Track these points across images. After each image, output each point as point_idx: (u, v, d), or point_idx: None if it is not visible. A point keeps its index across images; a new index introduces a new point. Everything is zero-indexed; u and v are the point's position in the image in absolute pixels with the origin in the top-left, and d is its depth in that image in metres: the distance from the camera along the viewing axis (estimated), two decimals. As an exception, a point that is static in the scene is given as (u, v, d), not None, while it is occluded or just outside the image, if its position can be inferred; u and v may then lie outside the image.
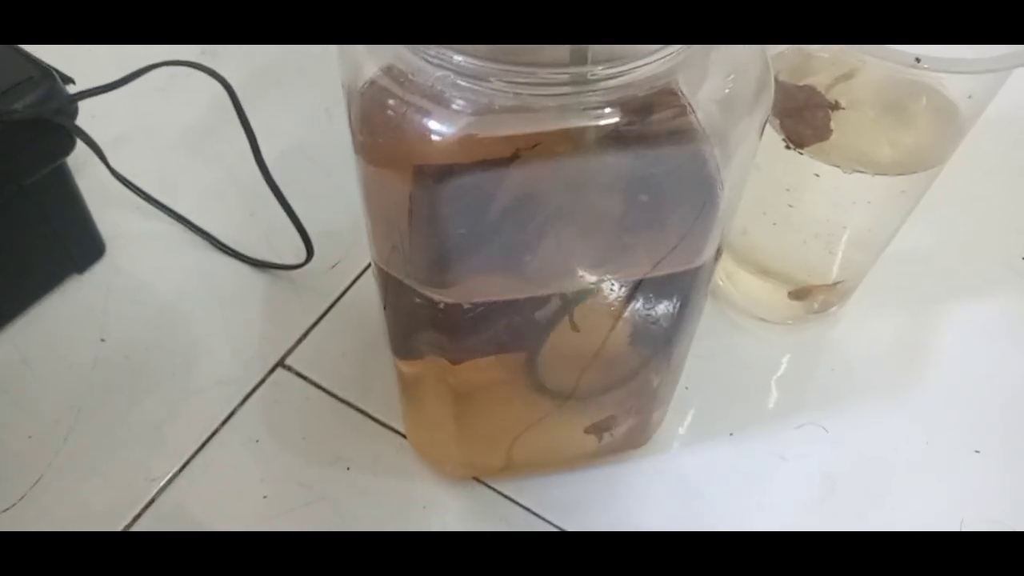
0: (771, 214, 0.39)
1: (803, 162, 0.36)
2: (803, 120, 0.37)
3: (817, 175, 0.36)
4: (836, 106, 0.37)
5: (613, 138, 0.25)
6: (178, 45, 0.54)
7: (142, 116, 0.50)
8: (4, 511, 0.37)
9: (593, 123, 0.24)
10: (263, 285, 0.45)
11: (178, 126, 0.51)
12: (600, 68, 0.23)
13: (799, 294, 0.42)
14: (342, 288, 0.45)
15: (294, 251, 0.45)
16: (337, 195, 0.48)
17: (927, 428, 0.41)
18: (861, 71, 0.36)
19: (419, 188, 0.25)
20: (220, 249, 0.46)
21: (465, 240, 0.26)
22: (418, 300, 0.29)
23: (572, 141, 0.25)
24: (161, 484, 0.39)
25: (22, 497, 0.38)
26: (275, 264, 0.45)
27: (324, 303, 0.45)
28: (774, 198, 0.38)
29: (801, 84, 0.37)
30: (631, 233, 0.28)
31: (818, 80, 0.37)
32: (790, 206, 0.38)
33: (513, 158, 0.25)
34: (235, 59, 0.55)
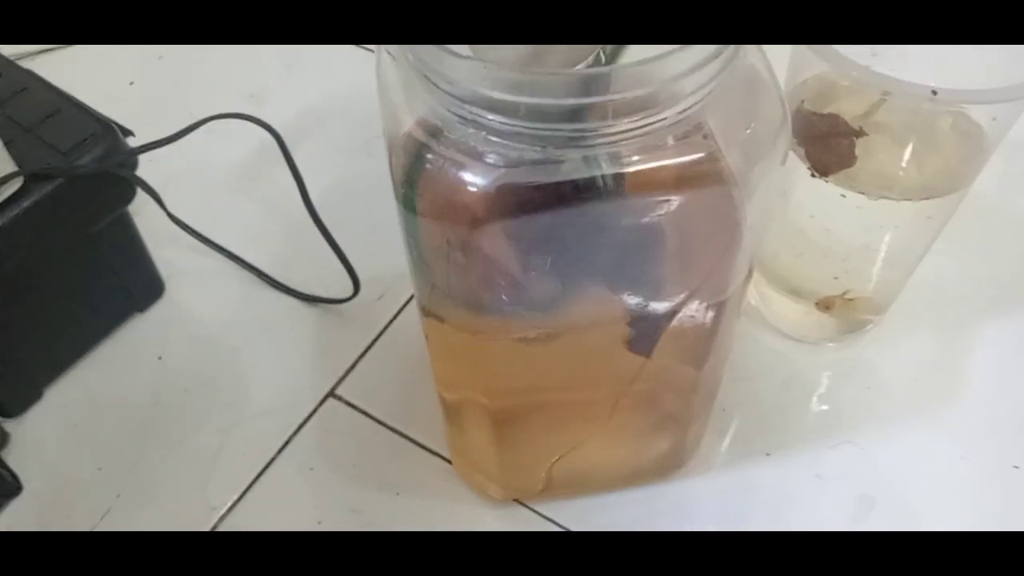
0: (800, 238, 0.40)
1: (829, 189, 0.37)
2: (828, 148, 0.38)
3: (843, 200, 0.37)
4: (860, 133, 0.37)
5: (639, 182, 0.26)
6: (227, 94, 0.58)
7: (193, 160, 0.53)
8: (77, 540, 0.40)
9: (620, 170, 0.26)
10: (312, 318, 0.48)
11: (227, 168, 0.53)
12: (624, 120, 0.24)
13: (826, 303, 0.42)
14: (387, 319, 0.47)
15: (341, 285, 0.47)
16: (379, 229, 0.50)
17: (964, 445, 0.41)
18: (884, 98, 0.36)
19: (456, 235, 0.27)
20: (271, 284, 0.48)
21: (500, 282, 0.28)
22: (457, 335, 0.31)
23: (600, 187, 0.26)
24: (222, 512, 0.41)
25: (93, 528, 0.40)
26: (323, 298, 0.47)
27: (371, 334, 0.47)
28: (802, 223, 0.39)
29: (825, 112, 0.38)
30: (659, 271, 0.29)
31: (842, 107, 0.38)
32: (818, 231, 0.39)
33: (545, 205, 0.26)
34: (279, 102, 0.57)
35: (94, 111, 0.42)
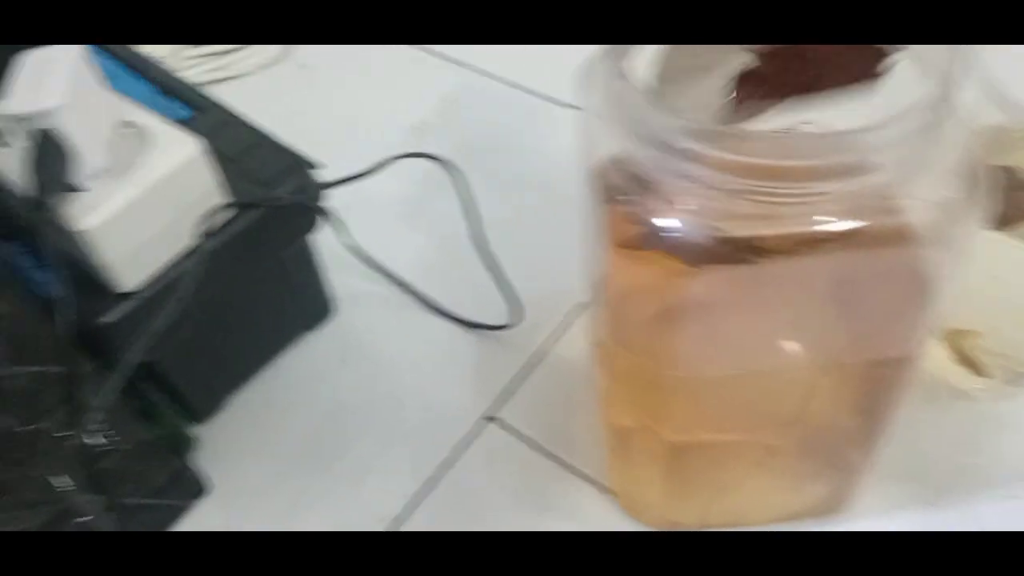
0: (973, 292, 0.40)
1: (1005, 243, 0.37)
2: (1007, 201, 0.38)
3: (1017, 255, 0.37)
4: (1039, 186, 0.37)
5: (837, 240, 0.27)
6: (390, 126, 0.61)
7: (364, 189, 0.56)
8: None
9: (820, 229, 0.27)
10: (472, 343, 0.50)
11: (394, 197, 0.56)
12: (831, 182, 0.25)
13: (995, 373, 0.42)
14: (545, 345, 0.49)
15: (500, 311, 0.49)
16: (537, 256, 0.52)
17: None
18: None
19: (662, 283, 0.28)
20: (434, 310, 0.51)
21: (699, 326, 0.29)
22: (646, 369, 0.32)
23: (797, 246, 0.27)
24: (387, 524, 0.43)
25: (276, 529, 0.43)
26: (486, 324, 0.50)
27: (529, 360, 0.49)
28: (975, 277, 0.39)
29: (999, 165, 0.38)
30: (846, 325, 0.30)
31: (1017, 159, 0.38)
32: (988, 284, 0.39)
33: (744, 259, 0.28)
34: (443, 133, 0.60)
35: (286, 145, 0.45)
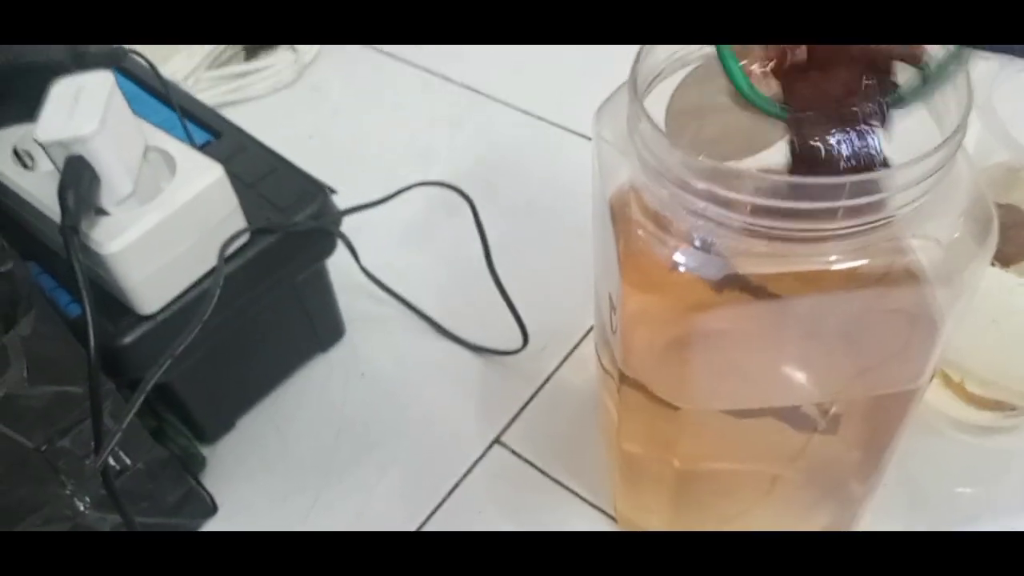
0: (974, 328, 0.41)
1: (1008, 279, 0.38)
2: (1008, 238, 0.39)
3: (1022, 292, 0.38)
4: (1040, 224, 0.38)
5: (846, 278, 0.28)
6: (400, 152, 0.62)
7: (377, 212, 0.57)
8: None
9: (830, 267, 0.28)
10: (478, 367, 0.51)
11: (406, 221, 0.57)
12: (846, 223, 0.26)
13: (995, 406, 0.43)
14: (550, 370, 0.50)
15: (507, 336, 0.50)
16: (546, 283, 0.53)
17: None
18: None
19: (675, 316, 0.29)
20: (443, 333, 0.51)
21: (708, 360, 0.30)
22: (654, 401, 0.33)
23: (807, 283, 0.28)
24: (398, 546, 0.44)
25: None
26: (494, 349, 0.50)
27: (534, 384, 0.49)
28: (977, 312, 0.40)
29: (1004, 203, 0.39)
30: (853, 360, 0.31)
31: (1018, 197, 0.39)
32: (994, 321, 0.40)
33: (755, 295, 0.28)
34: (454, 157, 0.61)
35: (304, 171, 0.46)
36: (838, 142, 0.26)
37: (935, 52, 0.27)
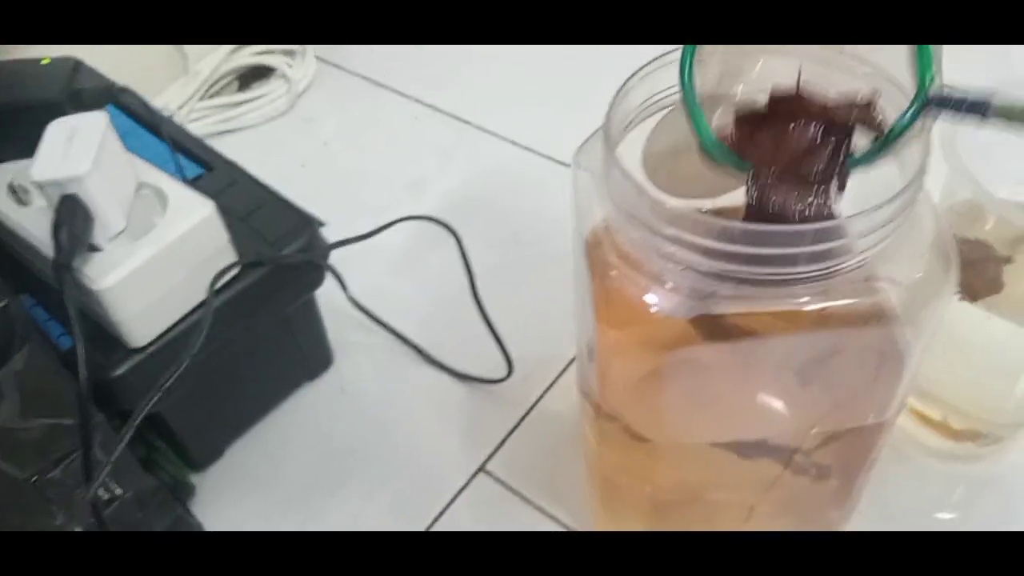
0: (944, 359, 0.42)
1: (975, 313, 0.39)
2: (975, 273, 0.40)
3: (990, 325, 0.39)
4: (1008, 260, 0.39)
5: (815, 318, 0.29)
6: (389, 182, 0.63)
7: (365, 243, 0.58)
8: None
9: (801, 308, 0.29)
10: (463, 395, 0.51)
11: (392, 251, 0.58)
12: (811, 267, 0.27)
13: (968, 435, 0.44)
14: (533, 399, 0.51)
15: (491, 364, 0.51)
16: (531, 312, 0.54)
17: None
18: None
19: (648, 353, 0.30)
20: (429, 362, 0.52)
21: (681, 396, 0.31)
22: (630, 434, 0.34)
23: (778, 320, 0.29)
24: (383, 574, 0.44)
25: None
26: (480, 378, 0.51)
27: (518, 413, 0.50)
28: (947, 343, 0.41)
29: (972, 239, 0.40)
30: (824, 396, 0.32)
31: (990, 232, 0.40)
32: (962, 353, 0.41)
33: (726, 334, 0.29)
34: (441, 188, 0.62)
35: (294, 204, 0.47)
36: (795, 202, 0.27)
37: (893, 117, 0.28)
